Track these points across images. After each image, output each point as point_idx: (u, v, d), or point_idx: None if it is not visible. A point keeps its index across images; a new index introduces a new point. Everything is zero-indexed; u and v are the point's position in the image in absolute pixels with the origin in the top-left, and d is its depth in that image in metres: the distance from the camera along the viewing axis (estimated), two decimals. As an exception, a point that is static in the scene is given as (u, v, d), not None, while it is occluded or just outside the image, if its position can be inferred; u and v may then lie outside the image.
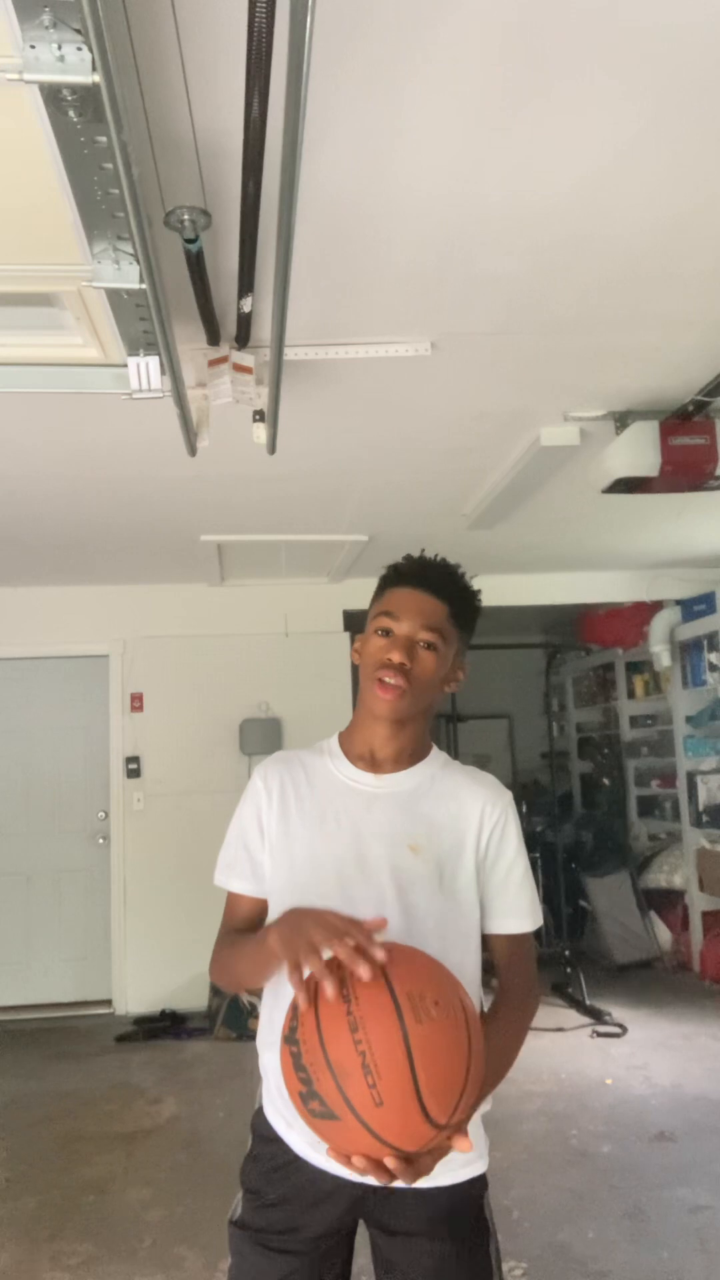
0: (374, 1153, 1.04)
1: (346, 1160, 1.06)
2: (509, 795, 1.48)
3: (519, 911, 1.44)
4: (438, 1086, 1.02)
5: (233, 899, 1.48)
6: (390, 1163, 1.03)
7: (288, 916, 1.22)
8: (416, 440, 3.44)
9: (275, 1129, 1.40)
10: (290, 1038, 1.08)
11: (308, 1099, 1.05)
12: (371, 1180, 1.06)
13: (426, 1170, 1.08)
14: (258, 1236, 1.37)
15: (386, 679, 1.38)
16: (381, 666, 1.39)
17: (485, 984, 1.41)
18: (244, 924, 1.47)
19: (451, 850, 1.41)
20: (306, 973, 1.09)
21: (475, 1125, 1.35)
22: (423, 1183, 1.11)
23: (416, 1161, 1.06)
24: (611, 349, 2.73)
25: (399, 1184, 1.07)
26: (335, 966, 1.08)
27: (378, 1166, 1.04)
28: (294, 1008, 1.10)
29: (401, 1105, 1.01)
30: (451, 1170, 1.31)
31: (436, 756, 1.50)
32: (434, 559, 1.49)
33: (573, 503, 4.23)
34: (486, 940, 1.44)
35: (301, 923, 1.15)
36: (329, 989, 1.05)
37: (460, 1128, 1.06)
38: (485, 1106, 1.38)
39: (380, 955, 1.07)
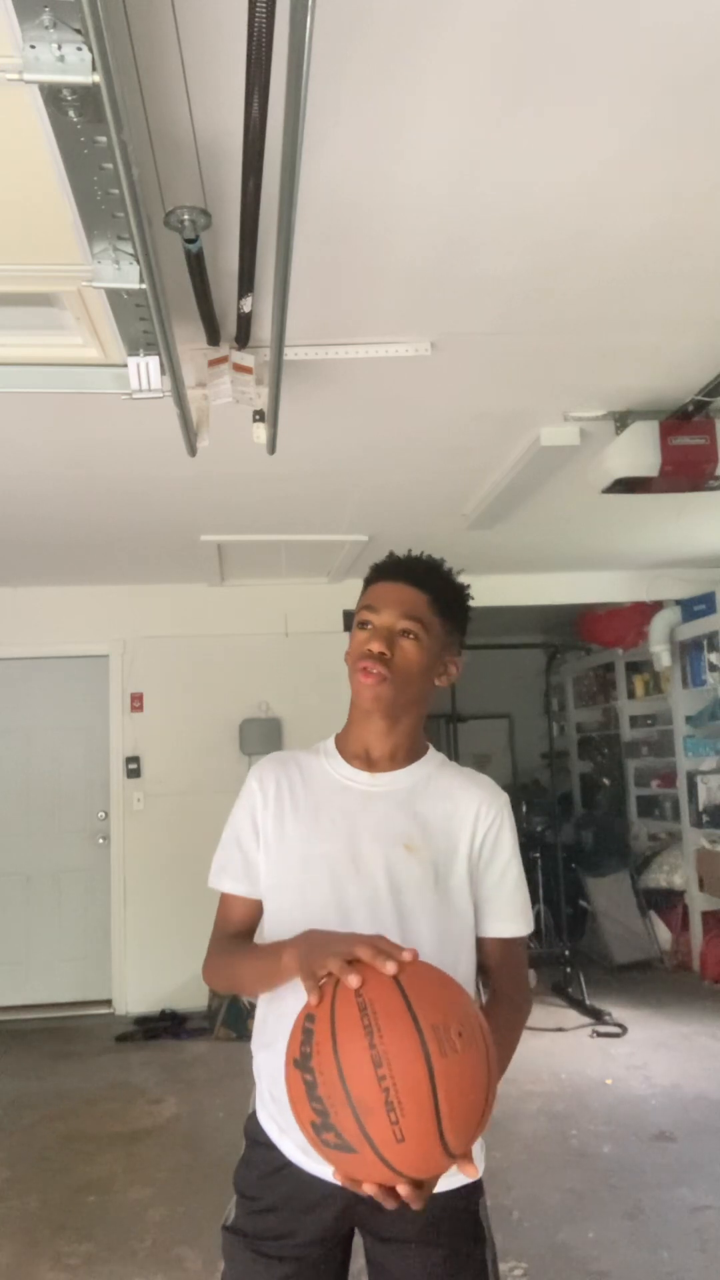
0: (387, 1182, 1.02)
1: (356, 1185, 1.03)
2: (505, 797, 1.48)
3: (512, 916, 1.44)
4: (459, 1119, 1.00)
5: (226, 901, 1.48)
6: (403, 1190, 1.02)
7: (307, 936, 1.20)
8: (416, 440, 3.44)
9: (268, 1134, 1.39)
10: (303, 1064, 1.04)
11: (321, 1130, 1.02)
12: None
13: (431, 1191, 1.06)
14: (251, 1242, 1.36)
15: (367, 668, 1.39)
16: (362, 657, 1.40)
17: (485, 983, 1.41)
18: (238, 927, 1.46)
19: (446, 851, 1.41)
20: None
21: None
22: None
23: (425, 1185, 1.04)
24: (611, 349, 2.73)
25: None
26: (356, 991, 1.04)
27: (389, 1193, 1.03)
28: (304, 1030, 1.06)
29: (423, 1140, 0.98)
30: (447, 1177, 1.30)
31: (433, 757, 1.49)
32: (414, 554, 1.50)
33: (573, 503, 4.23)
34: (478, 943, 1.43)
35: (326, 941, 1.14)
36: (353, 980, 1.03)
37: (470, 1154, 1.05)
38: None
39: (406, 956, 1.05)
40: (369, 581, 1.49)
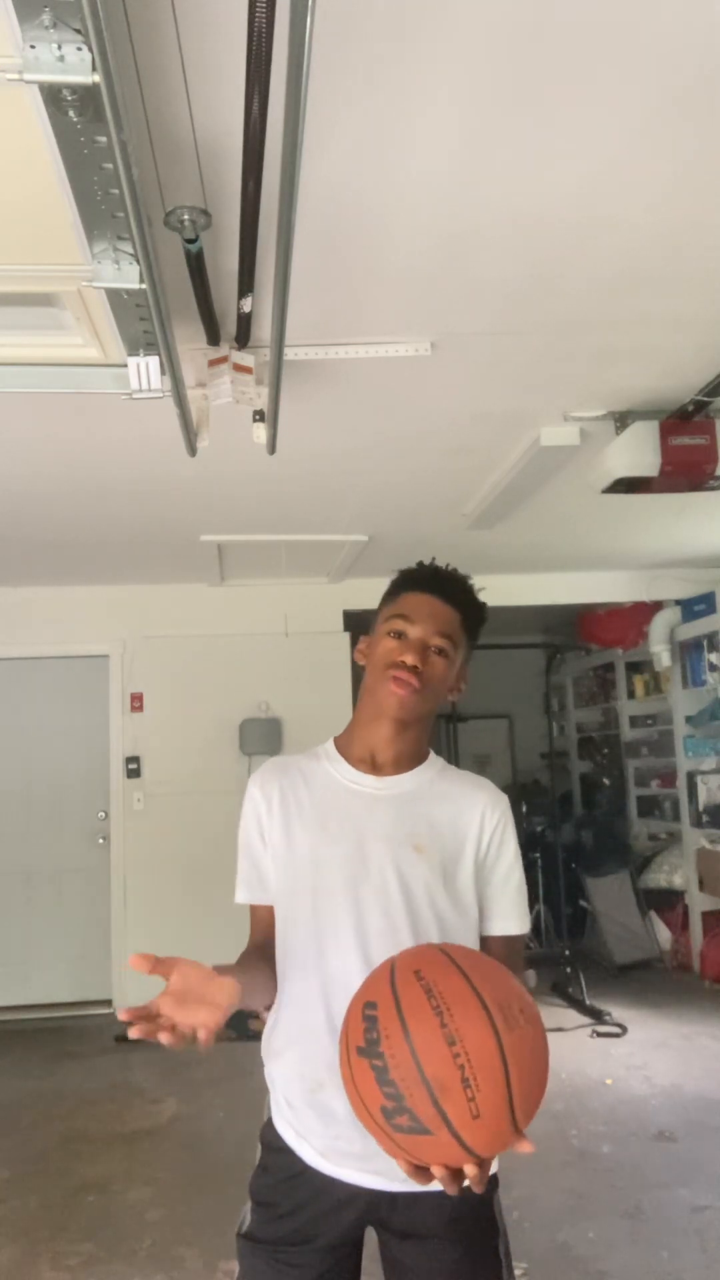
0: (457, 1162, 1.03)
1: (420, 1173, 1.05)
2: (506, 799, 1.51)
3: (515, 914, 1.47)
4: (528, 1092, 1.03)
5: (252, 912, 1.51)
6: (470, 1170, 1.03)
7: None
8: (416, 440, 3.44)
9: (285, 1140, 1.40)
10: (371, 1051, 1.05)
11: (393, 1114, 1.03)
12: (403, 1185, 1.06)
13: (488, 1172, 1.07)
14: (269, 1249, 1.37)
15: (400, 678, 1.39)
16: (393, 666, 1.41)
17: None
18: (265, 934, 1.48)
19: (453, 851, 1.43)
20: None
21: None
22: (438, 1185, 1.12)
23: (485, 1165, 1.06)
24: (611, 349, 2.73)
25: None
26: (417, 975, 1.07)
27: (454, 1176, 1.04)
28: (366, 1018, 1.07)
29: (496, 1115, 1.01)
30: None
31: (434, 761, 1.52)
32: (446, 568, 1.53)
33: (573, 503, 4.23)
34: (481, 941, 1.45)
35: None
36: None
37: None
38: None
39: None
40: (399, 587, 1.50)
